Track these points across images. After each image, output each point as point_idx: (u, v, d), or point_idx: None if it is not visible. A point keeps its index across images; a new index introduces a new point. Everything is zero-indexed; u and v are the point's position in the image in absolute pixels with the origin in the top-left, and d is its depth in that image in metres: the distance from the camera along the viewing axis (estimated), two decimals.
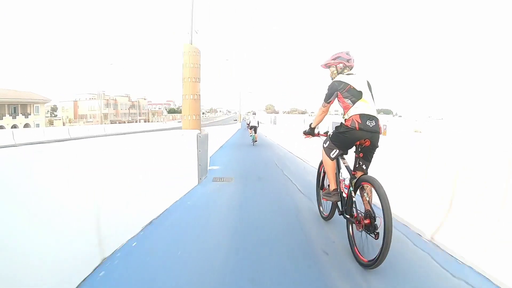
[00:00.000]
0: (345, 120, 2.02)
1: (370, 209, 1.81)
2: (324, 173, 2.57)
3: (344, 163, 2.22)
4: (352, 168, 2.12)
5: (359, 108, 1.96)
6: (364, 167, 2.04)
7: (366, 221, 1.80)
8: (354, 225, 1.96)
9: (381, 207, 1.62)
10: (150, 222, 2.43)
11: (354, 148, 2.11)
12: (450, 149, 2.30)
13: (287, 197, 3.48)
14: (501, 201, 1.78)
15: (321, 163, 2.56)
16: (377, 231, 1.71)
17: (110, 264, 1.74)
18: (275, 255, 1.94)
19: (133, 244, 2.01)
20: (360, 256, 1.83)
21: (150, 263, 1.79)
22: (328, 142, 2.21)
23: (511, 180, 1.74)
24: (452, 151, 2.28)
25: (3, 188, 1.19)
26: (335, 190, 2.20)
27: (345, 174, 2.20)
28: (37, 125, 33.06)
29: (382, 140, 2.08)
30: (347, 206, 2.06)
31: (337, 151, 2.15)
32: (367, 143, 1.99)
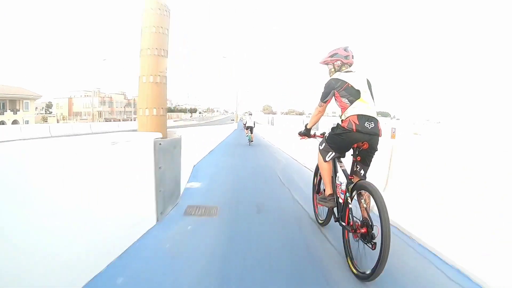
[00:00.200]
0: (342, 121, 1.90)
1: (367, 217, 1.69)
2: (321, 176, 2.45)
3: (341, 166, 2.10)
4: (349, 172, 1.99)
5: (357, 108, 1.84)
6: (361, 171, 1.91)
7: (363, 230, 1.67)
8: (350, 233, 1.83)
9: (378, 215, 1.50)
10: None
11: (351, 151, 1.98)
12: (460, 153, 2.20)
13: (305, 253, 1.97)
14: None
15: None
16: (374, 241, 1.59)
17: None
18: None
19: None
20: (356, 267, 1.70)
21: None
22: (324, 144, 2.09)
23: None
24: (461, 155, 2.17)
25: None
26: (331, 195, 2.08)
27: (342, 178, 2.08)
28: (27, 122, 31.65)
29: (381, 142, 1.95)
30: (343, 213, 1.93)
31: (333, 153, 2.03)
32: (365, 146, 1.86)
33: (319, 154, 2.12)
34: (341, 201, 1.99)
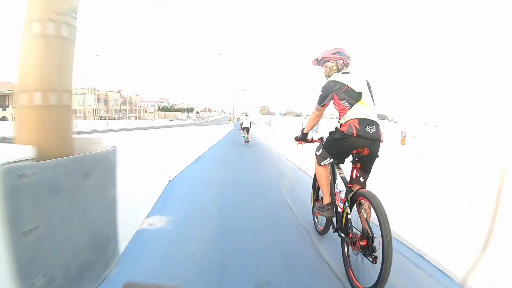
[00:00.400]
0: (340, 125, 1.78)
1: (368, 229, 1.58)
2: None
3: (340, 173, 1.99)
4: (348, 179, 1.88)
5: (357, 111, 1.73)
6: (361, 179, 1.80)
7: (363, 243, 1.56)
8: (350, 245, 1.72)
9: (379, 227, 1.39)
10: None
11: (351, 157, 1.87)
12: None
13: None
14: None
15: None
16: (375, 254, 1.48)
17: None
18: None
19: None
20: (356, 282, 1.59)
21: None
22: (321, 150, 1.98)
23: None
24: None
25: None
26: (329, 204, 1.97)
27: (341, 186, 1.96)
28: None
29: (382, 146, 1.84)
30: (342, 223, 1.82)
31: (330, 160, 1.92)
32: (366, 152, 1.73)
33: (316, 160, 2.02)
34: (340, 210, 1.88)
